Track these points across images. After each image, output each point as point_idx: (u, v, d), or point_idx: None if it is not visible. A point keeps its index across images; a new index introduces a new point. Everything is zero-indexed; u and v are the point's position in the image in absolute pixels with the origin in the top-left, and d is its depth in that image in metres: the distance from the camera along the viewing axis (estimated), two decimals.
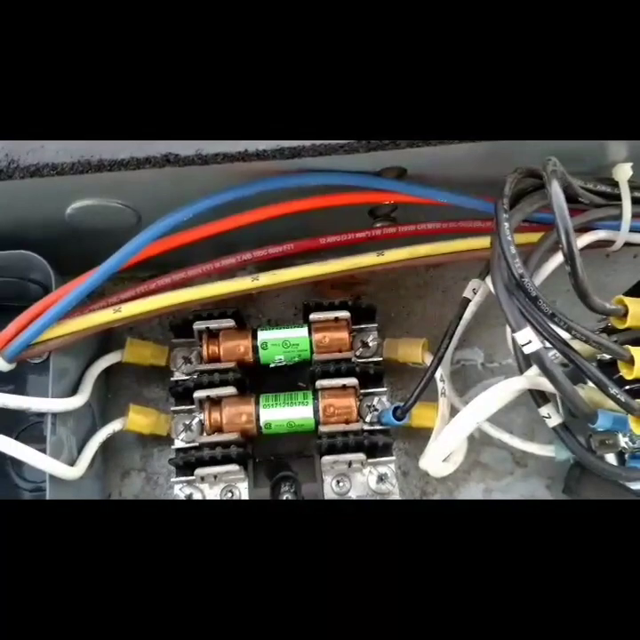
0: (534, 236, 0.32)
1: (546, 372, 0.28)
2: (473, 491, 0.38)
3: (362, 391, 0.35)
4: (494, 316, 0.39)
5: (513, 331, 0.28)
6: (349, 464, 0.34)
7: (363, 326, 0.37)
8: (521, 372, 0.31)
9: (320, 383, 0.34)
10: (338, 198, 0.31)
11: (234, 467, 0.33)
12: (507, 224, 0.28)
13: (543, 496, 0.37)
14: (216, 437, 0.34)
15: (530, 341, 0.28)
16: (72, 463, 0.32)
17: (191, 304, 0.32)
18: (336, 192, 0.31)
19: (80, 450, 0.34)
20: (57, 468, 0.29)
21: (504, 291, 0.28)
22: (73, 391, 0.34)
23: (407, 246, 0.32)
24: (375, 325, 0.37)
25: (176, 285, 0.32)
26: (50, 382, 0.31)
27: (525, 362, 0.31)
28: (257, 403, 0.35)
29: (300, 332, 0.36)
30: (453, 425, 0.29)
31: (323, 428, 0.34)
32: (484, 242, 0.33)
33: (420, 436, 0.38)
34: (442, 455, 0.30)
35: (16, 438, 0.37)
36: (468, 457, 0.37)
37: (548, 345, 0.28)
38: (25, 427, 0.37)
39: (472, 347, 0.41)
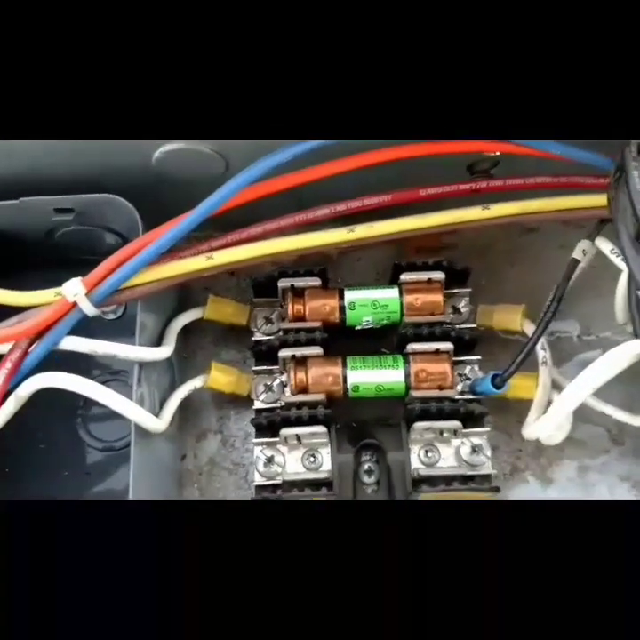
0: None
1: None
2: (567, 468, 0.36)
3: (453, 359, 0.33)
4: (591, 286, 0.37)
5: (638, 286, 0.26)
6: (441, 433, 0.32)
7: (454, 291, 0.35)
8: (637, 336, 0.29)
9: (412, 347, 0.32)
10: (441, 146, 0.29)
11: (320, 428, 0.32)
12: (636, 172, 0.26)
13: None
14: (303, 397, 0.32)
15: None
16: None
17: (284, 255, 0.30)
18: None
19: (161, 407, 0.32)
20: (145, 419, 0.28)
21: (629, 243, 0.26)
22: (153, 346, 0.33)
23: (517, 201, 0.30)
24: (468, 290, 0.35)
25: (268, 235, 0.30)
26: (137, 332, 0.30)
27: None
28: (344, 364, 0.33)
29: (391, 293, 0.34)
30: (569, 391, 0.27)
31: (415, 393, 0.32)
32: (598, 200, 0.30)
33: (512, 409, 0.36)
34: (556, 422, 0.28)
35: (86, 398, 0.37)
36: None
37: None
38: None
39: (567, 318, 0.38)
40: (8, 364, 0.27)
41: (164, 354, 0.31)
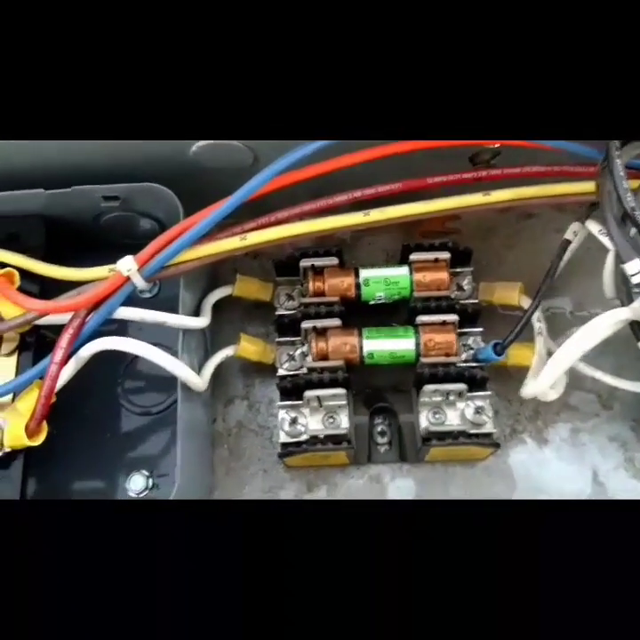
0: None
1: None
2: (560, 430, 0.39)
3: (458, 330, 0.37)
4: (584, 265, 0.40)
5: (622, 261, 0.30)
6: (447, 396, 0.36)
7: (458, 270, 0.39)
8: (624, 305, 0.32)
9: (421, 319, 0.36)
10: (445, 140, 0.33)
11: (340, 390, 0.35)
12: (619, 160, 0.29)
13: (627, 438, 0.39)
14: (323, 363, 0.36)
15: (638, 272, 0.29)
16: None
17: (307, 236, 0.34)
18: None
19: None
20: (190, 376, 0.32)
21: (614, 223, 0.30)
22: None
23: (514, 188, 0.34)
24: (470, 269, 0.39)
25: (292, 219, 0.34)
26: (180, 304, 0.34)
27: (628, 296, 0.32)
28: (360, 334, 0.37)
29: (401, 271, 0.38)
30: (560, 353, 0.31)
31: (424, 360, 0.36)
32: (587, 186, 0.34)
33: (511, 378, 0.39)
34: (551, 380, 0.31)
35: (125, 369, 0.40)
36: (557, 400, 0.38)
37: None
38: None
39: (562, 295, 0.42)
40: (70, 330, 0.30)
41: (203, 323, 0.35)
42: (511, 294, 0.38)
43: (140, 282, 0.32)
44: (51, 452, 0.35)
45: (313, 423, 0.36)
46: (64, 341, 0.30)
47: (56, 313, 0.31)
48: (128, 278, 0.31)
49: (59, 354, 0.30)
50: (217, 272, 0.42)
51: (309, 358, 0.37)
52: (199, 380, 0.33)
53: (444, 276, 0.37)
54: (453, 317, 0.36)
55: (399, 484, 0.38)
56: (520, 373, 0.37)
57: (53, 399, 0.31)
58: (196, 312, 0.38)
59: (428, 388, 0.35)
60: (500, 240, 0.43)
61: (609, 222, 0.30)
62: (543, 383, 0.32)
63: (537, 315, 0.37)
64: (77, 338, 0.31)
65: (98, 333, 0.32)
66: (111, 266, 0.32)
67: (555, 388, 0.33)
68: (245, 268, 0.43)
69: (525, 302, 0.38)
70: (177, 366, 0.31)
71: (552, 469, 0.38)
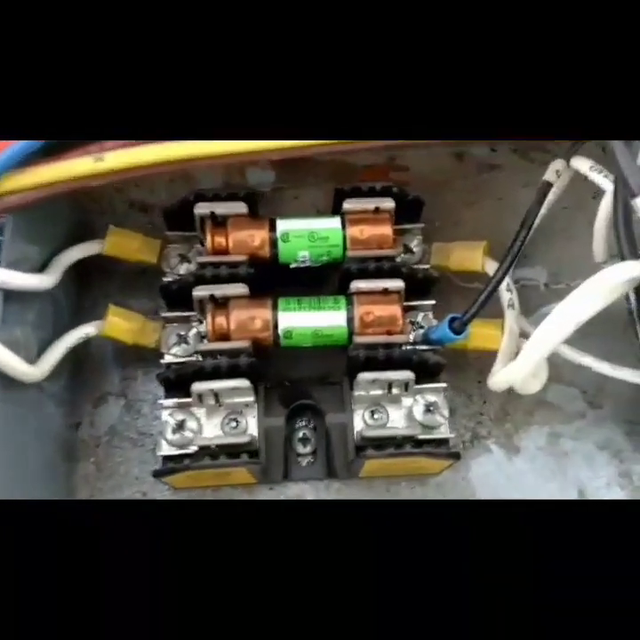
0: None
1: None
2: (535, 436, 0.31)
3: (404, 303, 0.28)
4: (561, 227, 0.33)
5: (632, 194, 0.21)
6: (389, 388, 0.27)
7: (406, 226, 0.30)
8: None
9: (356, 285, 0.27)
10: None
11: (243, 382, 0.26)
12: None
13: (621, 445, 0.30)
14: (221, 344, 0.26)
15: None
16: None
17: (191, 163, 0.24)
18: None
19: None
20: (10, 360, 0.21)
21: (622, 145, 0.21)
22: None
23: None
24: (421, 225, 0.30)
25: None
26: (2, 252, 0.23)
27: (631, 248, 0.24)
28: (274, 307, 0.27)
29: (332, 223, 0.28)
30: (548, 325, 0.22)
31: (359, 339, 0.26)
32: None
33: (470, 367, 0.31)
34: (530, 364, 0.22)
35: None
36: (531, 395, 0.30)
37: None
38: None
39: (533, 264, 0.34)
40: None
41: (40, 283, 0.24)
42: (473, 256, 0.30)
43: None
44: None
45: (208, 428, 0.27)
46: None
47: None
48: None
49: None
50: (91, 225, 0.31)
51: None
52: (26, 368, 0.23)
53: (386, 230, 0.28)
54: (398, 284, 0.27)
55: None
56: (482, 361, 0.29)
57: None
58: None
59: (364, 377, 0.26)
60: (456, 195, 0.34)
61: (615, 145, 0.21)
62: (521, 368, 0.23)
63: (507, 282, 0.28)
64: None
65: None
66: None
67: (537, 377, 0.24)
68: (131, 223, 0.33)
69: (490, 266, 0.29)
70: None
71: (525, 486, 0.30)
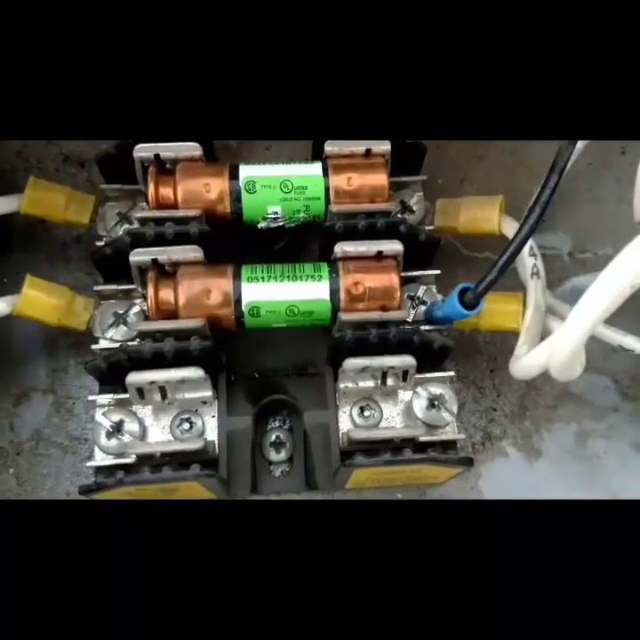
0: None
1: None
2: (560, 435, 0.26)
3: (402, 273, 0.22)
4: (586, 190, 0.28)
5: None
6: (383, 378, 0.21)
7: (403, 179, 0.24)
8: None
9: (342, 248, 0.21)
10: None
11: (195, 372, 0.20)
12: None
13: None
14: (166, 323, 0.20)
15: None
16: None
17: None
18: None
19: None
20: None
21: None
22: None
23: None
24: (422, 178, 0.25)
25: None
26: None
27: None
28: (236, 276, 0.21)
29: (310, 169, 0.23)
30: (597, 291, 0.16)
31: (345, 317, 0.20)
32: None
33: (479, 353, 0.26)
34: (578, 342, 0.17)
35: None
36: (553, 386, 0.25)
37: None
38: None
39: (556, 230, 0.28)
40: None
41: None
42: (487, 214, 0.24)
43: None
44: None
45: (154, 432, 0.21)
46: None
47: None
48: None
49: None
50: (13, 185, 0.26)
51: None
52: None
53: (380, 179, 0.22)
54: (395, 247, 0.21)
55: None
56: (495, 346, 0.26)
57: None
58: None
59: (352, 363, 0.21)
60: (463, 150, 0.28)
61: None
62: (564, 347, 0.17)
63: (529, 245, 0.22)
64: None
65: None
66: None
67: (578, 358, 0.19)
68: (63, 179, 0.27)
69: (509, 227, 0.23)
70: None
71: (548, 496, 0.24)
